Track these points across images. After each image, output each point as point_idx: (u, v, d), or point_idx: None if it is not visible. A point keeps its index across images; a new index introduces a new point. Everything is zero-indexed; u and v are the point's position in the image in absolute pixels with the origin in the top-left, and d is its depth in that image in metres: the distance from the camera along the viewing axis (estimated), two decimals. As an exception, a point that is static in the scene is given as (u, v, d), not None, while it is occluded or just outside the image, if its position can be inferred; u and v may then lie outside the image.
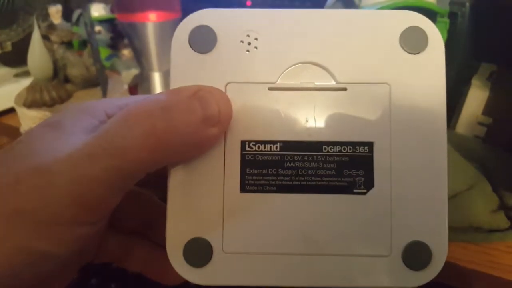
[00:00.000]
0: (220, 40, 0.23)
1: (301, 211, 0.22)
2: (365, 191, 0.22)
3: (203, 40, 0.23)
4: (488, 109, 0.50)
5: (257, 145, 0.23)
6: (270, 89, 0.23)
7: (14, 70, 0.71)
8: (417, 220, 0.22)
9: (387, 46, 0.22)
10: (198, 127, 0.20)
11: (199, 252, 0.22)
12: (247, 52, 0.23)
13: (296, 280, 0.22)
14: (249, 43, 0.23)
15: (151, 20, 0.57)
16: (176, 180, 0.23)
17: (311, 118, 0.22)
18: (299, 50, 0.23)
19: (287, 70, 0.23)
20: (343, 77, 0.23)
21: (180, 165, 0.22)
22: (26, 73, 0.68)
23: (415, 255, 0.22)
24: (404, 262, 0.22)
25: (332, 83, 0.23)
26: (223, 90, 0.22)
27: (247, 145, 0.23)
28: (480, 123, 0.50)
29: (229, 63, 0.23)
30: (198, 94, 0.21)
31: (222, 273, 0.22)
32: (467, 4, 0.47)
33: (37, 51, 0.62)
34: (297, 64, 0.23)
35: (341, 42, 0.23)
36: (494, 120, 0.49)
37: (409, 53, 0.22)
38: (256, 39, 0.23)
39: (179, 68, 0.23)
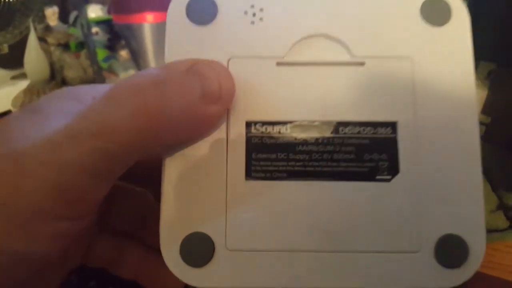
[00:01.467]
0: (221, 11, 0.20)
1: (315, 201, 0.19)
2: (389, 177, 0.19)
3: (202, 11, 0.20)
4: (487, 108, 0.47)
5: (264, 127, 0.19)
6: (278, 64, 0.20)
7: (11, 73, 0.69)
8: (450, 210, 0.19)
9: (408, 17, 0.20)
10: (196, 104, 0.17)
11: (198, 249, 0.19)
12: (252, 24, 0.20)
13: (311, 282, 0.19)
14: (254, 14, 0.20)
15: (147, 21, 0.56)
16: (171, 167, 0.19)
17: (325, 96, 0.19)
18: (310, 21, 0.20)
19: (297, 43, 0.20)
20: (360, 50, 0.19)
21: (176, 149, 0.19)
22: (23, 76, 0.66)
23: (449, 250, 0.18)
24: (436, 258, 0.19)
25: (348, 57, 0.20)
26: (225, 65, 0.19)
27: (253, 127, 0.19)
28: (479, 122, 0.47)
29: (232, 36, 0.20)
30: (196, 67, 0.18)
31: (225, 274, 0.19)
32: (465, 2, 0.44)
33: (33, 54, 0.60)
34: (308, 36, 0.20)
35: (356, 12, 0.20)
36: (493, 119, 0.47)
37: (431, 25, 0.19)
38: (261, 9, 0.20)
39: (175, 42, 0.20)
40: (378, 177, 0.19)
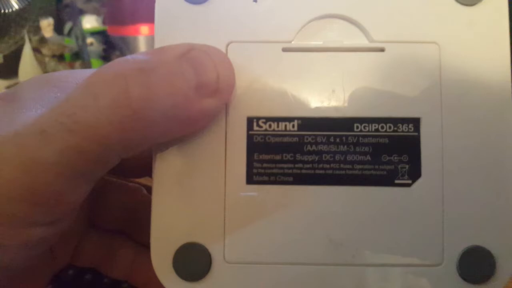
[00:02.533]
0: None
1: (326, 208, 0.16)
2: (410, 182, 0.16)
3: None
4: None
5: (268, 123, 0.16)
6: (285, 50, 0.16)
7: (6, 82, 0.65)
8: (476, 219, 0.16)
9: None
10: (189, 96, 0.14)
11: (193, 261, 0.16)
12: (255, 3, 0.16)
13: None
14: None
15: (142, 34, 0.52)
16: (162, 168, 0.16)
17: (339, 88, 0.16)
18: None
19: (307, 25, 0.16)
20: (380, 34, 0.16)
21: (168, 149, 0.16)
22: (18, 86, 0.62)
23: (474, 264, 0.16)
24: (459, 273, 0.16)
25: (366, 42, 0.16)
26: (224, 51, 0.16)
27: (255, 123, 0.16)
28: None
29: (231, 16, 0.16)
30: (190, 54, 0.15)
31: None
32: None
33: (28, 65, 0.58)
34: (320, 17, 0.16)
35: None
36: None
37: (463, 4, 0.16)
38: None
39: (166, 24, 0.16)
40: (397, 181, 0.16)
